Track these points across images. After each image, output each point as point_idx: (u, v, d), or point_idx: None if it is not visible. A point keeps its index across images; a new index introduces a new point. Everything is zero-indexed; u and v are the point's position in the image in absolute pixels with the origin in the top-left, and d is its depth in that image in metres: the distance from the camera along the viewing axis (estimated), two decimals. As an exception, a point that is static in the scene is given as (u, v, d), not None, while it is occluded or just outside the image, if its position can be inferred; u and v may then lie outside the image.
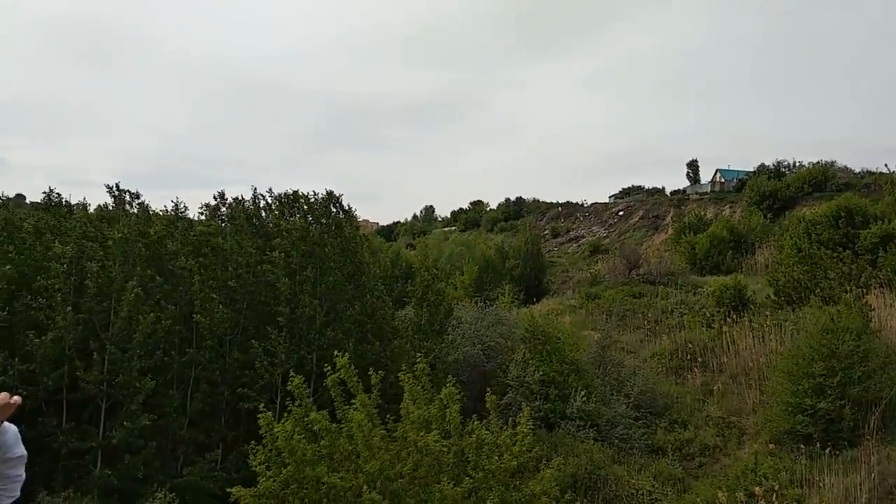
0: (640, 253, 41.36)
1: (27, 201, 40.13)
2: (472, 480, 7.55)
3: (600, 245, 54.21)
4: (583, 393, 16.40)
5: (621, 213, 62.41)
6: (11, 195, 38.18)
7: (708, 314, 25.18)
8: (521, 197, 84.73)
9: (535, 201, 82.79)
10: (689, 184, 71.07)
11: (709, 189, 61.94)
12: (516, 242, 45.76)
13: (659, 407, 18.01)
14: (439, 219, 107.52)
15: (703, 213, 47.27)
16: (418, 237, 79.48)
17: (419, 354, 11.31)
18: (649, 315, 27.35)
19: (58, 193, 21.58)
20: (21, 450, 1.64)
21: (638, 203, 63.41)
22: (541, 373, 16.95)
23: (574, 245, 59.97)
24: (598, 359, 19.54)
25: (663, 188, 75.36)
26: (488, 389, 10.31)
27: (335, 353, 8.90)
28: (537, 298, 37.04)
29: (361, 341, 16.35)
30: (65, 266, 14.85)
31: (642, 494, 12.52)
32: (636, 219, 58.73)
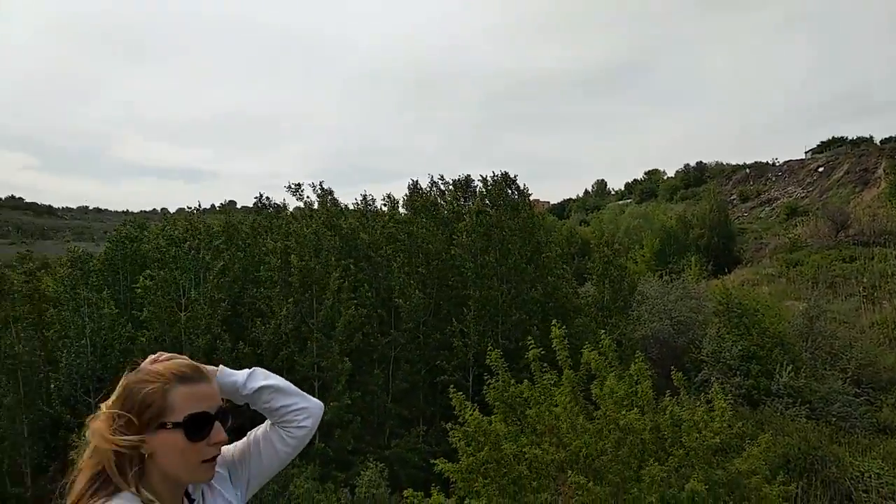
0: (847, 212, 37.01)
1: (238, 206, 45.54)
2: (676, 459, 7.38)
3: (798, 207, 49.16)
4: (789, 368, 15.17)
5: (821, 169, 55.94)
6: (225, 202, 43.63)
7: (940, 276, 21.93)
8: (701, 161, 79.14)
9: (719, 164, 76.86)
10: (905, 128, 61.52)
11: (932, 132, 53.20)
12: (700, 210, 43.09)
13: (883, 381, 16.12)
14: (612, 192, 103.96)
15: (926, 161, 40.88)
16: (591, 213, 77.67)
17: (603, 331, 11.23)
18: (864, 280, 24.43)
19: (267, 197, 24.47)
20: (262, 381, 1.61)
21: (841, 156, 56.30)
22: (739, 347, 15.94)
23: (766, 209, 54.96)
24: (804, 331, 17.88)
25: (871, 137, 65.99)
26: (672, 367, 9.93)
27: (553, 322, 9.13)
28: (728, 269, 34.68)
29: (544, 321, 16.56)
30: (278, 260, 16.81)
31: (869, 477, 11.33)
32: (840, 174, 52.30)
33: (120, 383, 1.38)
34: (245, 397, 1.63)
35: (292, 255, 16.46)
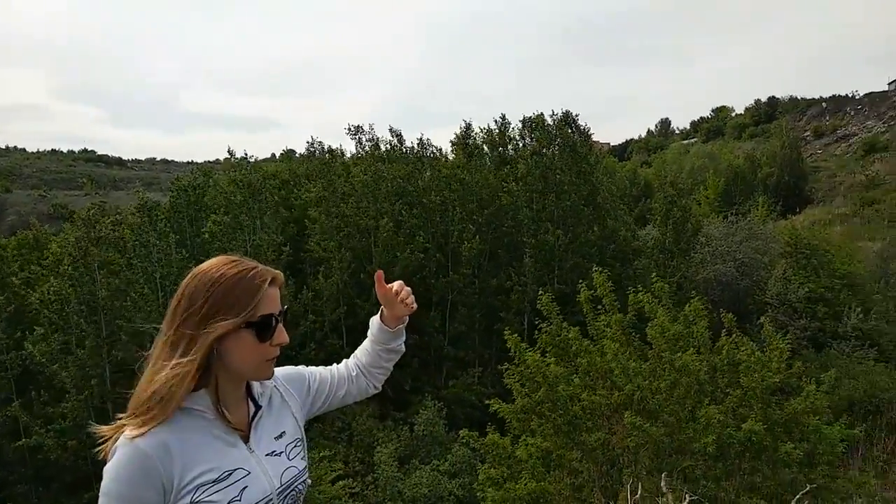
0: (933, 146, 34.61)
1: (296, 154, 46.38)
2: (733, 399, 7.30)
3: (877, 143, 46.22)
4: (859, 310, 14.63)
5: (906, 100, 52.16)
6: (285, 150, 44.46)
7: None
8: (773, 96, 74.88)
9: (792, 99, 72.63)
10: None
11: None
12: (770, 148, 41.31)
13: (962, 325, 15.36)
14: (676, 132, 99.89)
15: None
16: (654, 153, 75.15)
17: (654, 273, 11.07)
18: (948, 219, 23.03)
19: (319, 142, 24.62)
20: (401, 342, 1.84)
21: (929, 86, 52.33)
22: (806, 289, 15.44)
23: (843, 145, 51.90)
24: (878, 272, 17.13)
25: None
26: (723, 310, 9.68)
27: (594, 268, 9.08)
28: (798, 209, 33.33)
29: (602, 265, 16.42)
30: (321, 211, 17.11)
31: (939, 421, 10.97)
32: (927, 106, 48.70)
33: (188, 286, 1.38)
34: (389, 346, 1.82)
35: (341, 203, 16.68)
